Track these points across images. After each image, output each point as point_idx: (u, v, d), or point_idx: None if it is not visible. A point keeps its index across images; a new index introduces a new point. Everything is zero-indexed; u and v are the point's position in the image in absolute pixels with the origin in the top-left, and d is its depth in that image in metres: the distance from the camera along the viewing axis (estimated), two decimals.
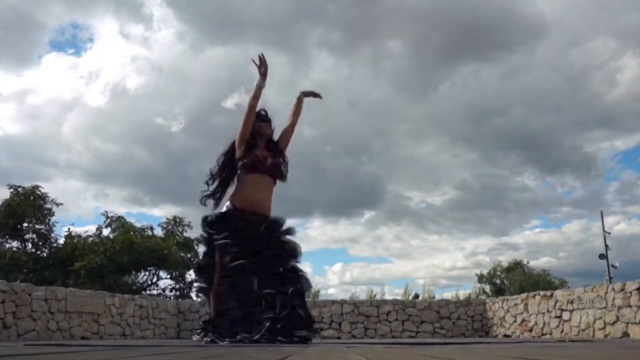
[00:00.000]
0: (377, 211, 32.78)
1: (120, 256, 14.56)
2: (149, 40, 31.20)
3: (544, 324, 8.32)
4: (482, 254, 32.71)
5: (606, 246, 20.19)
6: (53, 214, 15.51)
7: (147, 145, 28.69)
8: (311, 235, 30.35)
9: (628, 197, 34.06)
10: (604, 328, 6.99)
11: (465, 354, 2.09)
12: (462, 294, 18.72)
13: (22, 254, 14.75)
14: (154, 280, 16.94)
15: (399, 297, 15.71)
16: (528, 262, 23.28)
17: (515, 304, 9.21)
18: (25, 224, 15.29)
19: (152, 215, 35.55)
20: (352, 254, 36.50)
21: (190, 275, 16.68)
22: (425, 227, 34.11)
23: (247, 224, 3.84)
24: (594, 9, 30.32)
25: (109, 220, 16.18)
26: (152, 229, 16.59)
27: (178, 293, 16.13)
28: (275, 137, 4.20)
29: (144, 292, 15.79)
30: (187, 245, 16.53)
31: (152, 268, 16.23)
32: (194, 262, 16.17)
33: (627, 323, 6.60)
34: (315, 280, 19.38)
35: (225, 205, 3.99)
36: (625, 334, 6.59)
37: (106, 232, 16.15)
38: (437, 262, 32.98)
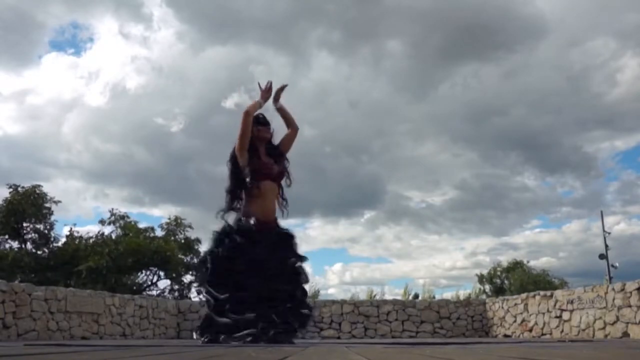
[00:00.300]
0: (377, 211, 32.75)
1: (124, 258, 14.60)
2: (148, 40, 31.16)
3: (544, 324, 8.32)
4: (482, 254, 32.68)
5: (606, 246, 20.18)
6: (52, 213, 15.55)
7: (147, 145, 28.66)
8: (311, 235, 30.32)
9: (628, 197, 34.02)
10: (604, 328, 7.00)
11: (465, 354, 2.09)
12: (462, 294, 18.66)
13: (24, 255, 14.75)
14: (154, 280, 16.99)
15: (399, 297, 15.68)
16: (528, 262, 23.28)
17: (515, 304, 9.21)
18: (25, 224, 15.31)
19: (152, 215, 35.53)
20: (352, 254, 36.46)
21: (190, 276, 16.75)
22: (425, 227, 34.08)
23: (258, 234, 3.84)
24: (594, 9, 30.30)
25: (113, 217, 16.25)
26: (153, 230, 16.66)
27: (177, 294, 16.15)
28: (276, 140, 4.12)
29: (143, 293, 15.81)
30: (188, 245, 16.56)
31: (153, 269, 16.27)
32: (194, 263, 16.24)
33: (627, 323, 6.60)
34: (315, 280, 19.36)
35: (234, 219, 3.95)
36: (625, 334, 6.59)
37: (108, 229, 16.23)
38: (437, 262, 32.92)
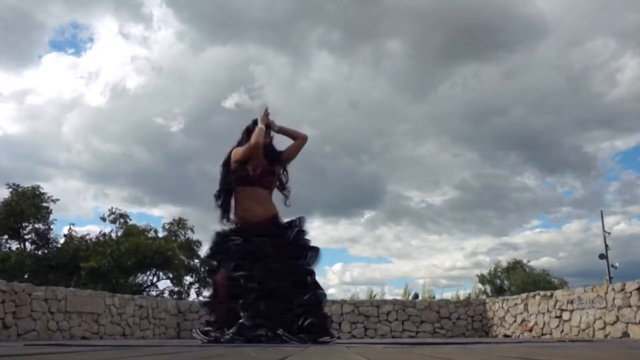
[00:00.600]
0: (377, 211, 32.77)
1: (126, 258, 14.59)
2: (148, 40, 31.18)
3: (544, 324, 8.32)
4: (482, 254, 32.70)
5: (606, 246, 20.18)
6: (51, 212, 15.55)
7: (147, 145, 28.67)
8: (311, 235, 30.26)
9: (628, 197, 34.04)
10: (604, 328, 6.99)
11: (465, 354, 2.09)
12: (462, 294, 18.68)
13: (26, 257, 14.75)
14: (154, 281, 17.00)
15: (399, 297, 15.69)
16: (528, 262, 23.29)
17: (515, 304, 9.21)
18: (24, 224, 15.30)
19: (152, 215, 35.49)
20: (352, 254, 36.49)
21: (190, 277, 16.77)
22: (425, 227, 34.10)
23: (248, 236, 3.89)
24: (594, 9, 30.32)
25: (113, 216, 16.26)
26: (156, 231, 16.68)
27: (176, 296, 16.15)
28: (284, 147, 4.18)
29: (143, 293, 15.81)
30: (189, 246, 16.56)
31: (153, 269, 16.27)
32: (194, 264, 16.25)
33: (627, 323, 6.60)
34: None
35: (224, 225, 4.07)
36: (625, 334, 6.59)
37: (109, 228, 16.25)
38: (437, 262, 32.97)
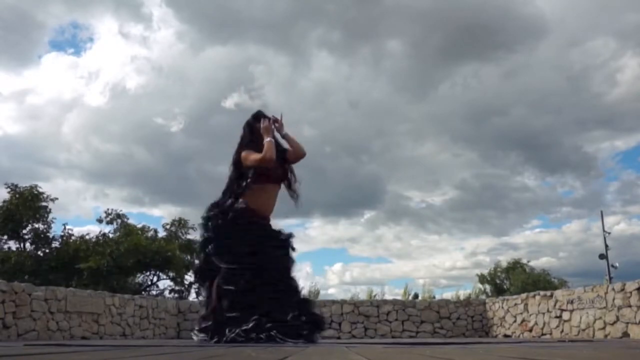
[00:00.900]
0: (377, 211, 32.78)
1: (125, 258, 14.58)
2: (148, 40, 31.18)
3: (544, 324, 8.32)
4: (482, 254, 32.71)
5: (606, 246, 20.18)
6: (49, 211, 15.53)
7: (147, 145, 28.70)
8: (311, 235, 30.36)
9: (628, 197, 34.04)
10: (604, 328, 7.00)
11: (465, 354, 2.09)
12: (462, 294, 18.70)
13: (26, 257, 14.74)
14: (154, 280, 16.99)
15: (399, 297, 15.71)
16: (528, 262, 23.29)
17: (515, 304, 9.21)
18: (24, 224, 15.28)
19: (152, 215, 35.51)
20: (352, 254, 36.51)
21: (190, 277, 16.76)
22: (425, 227, 34.10)
23: (258, 226, 3.89)
24: (594, 9, 30.32)
25: (109, 217, 16.23)
26: (156, 231, 16.67)
27: (177, 295, 16.15)
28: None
29: (143, 293, 15.80)
30: (189, 246, 16.56)
31: (153, 269, 16.26)
32: (194, 263, 16.20)
33: (627, 323, 6.60)
34: (315, 280, 19.37)
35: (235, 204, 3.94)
36: (625, 334, 6.59)
37: (108, 229, 16.23)
38: (437, 262, 32.97)
